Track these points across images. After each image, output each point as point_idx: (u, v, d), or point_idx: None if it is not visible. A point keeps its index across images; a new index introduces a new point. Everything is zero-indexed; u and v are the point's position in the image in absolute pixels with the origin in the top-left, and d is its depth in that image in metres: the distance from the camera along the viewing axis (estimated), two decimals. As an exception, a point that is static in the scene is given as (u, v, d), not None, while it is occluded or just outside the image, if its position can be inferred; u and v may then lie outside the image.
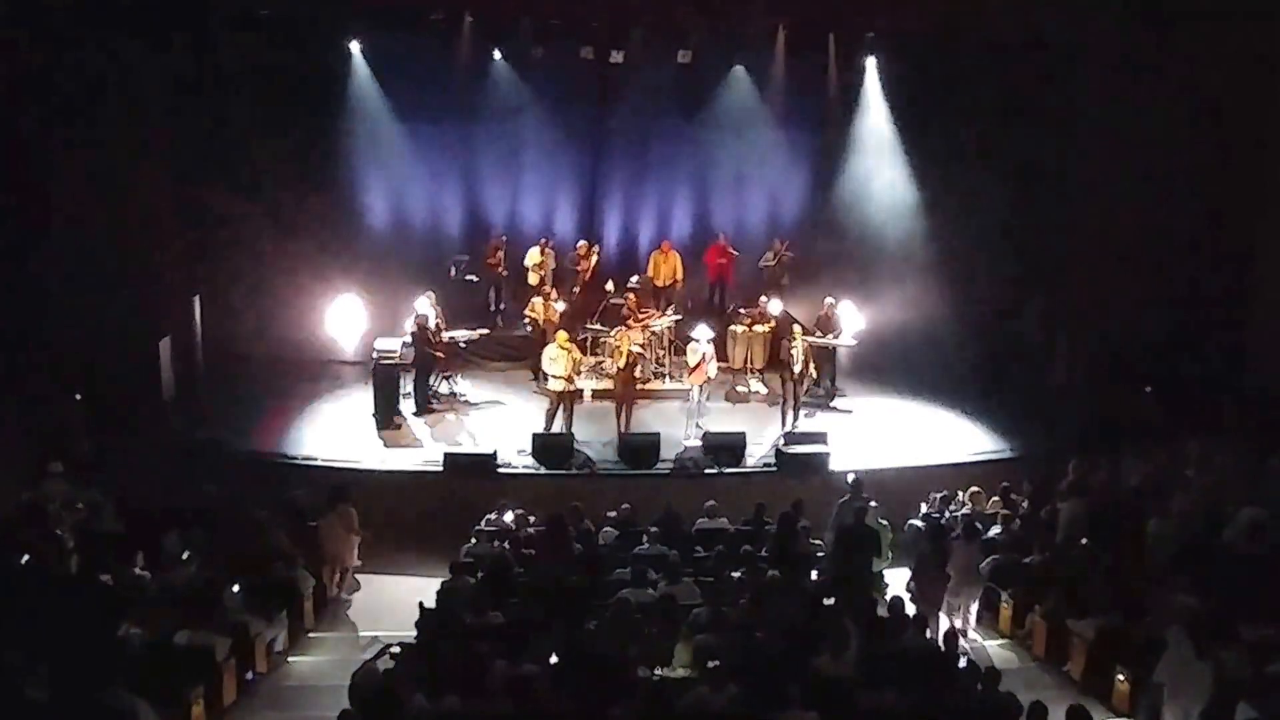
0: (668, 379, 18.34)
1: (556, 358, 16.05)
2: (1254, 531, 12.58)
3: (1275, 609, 10.92)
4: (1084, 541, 12.90)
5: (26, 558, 11.50)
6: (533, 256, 19.65)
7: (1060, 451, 15.86)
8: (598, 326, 18.28)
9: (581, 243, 20.20)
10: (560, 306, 18.47)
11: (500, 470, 15.27)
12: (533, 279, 19.46)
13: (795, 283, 20.45)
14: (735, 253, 20.60)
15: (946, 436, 17.08)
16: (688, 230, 21.45)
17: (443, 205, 21.26)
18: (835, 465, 15.35)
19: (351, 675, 9.35)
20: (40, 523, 12.37)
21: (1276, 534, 12.65)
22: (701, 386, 16.79)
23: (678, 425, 16.78)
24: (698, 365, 16.64)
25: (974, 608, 12.58)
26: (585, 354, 18.10)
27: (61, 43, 16.32)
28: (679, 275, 20.09)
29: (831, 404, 18.13)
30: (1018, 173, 19.29)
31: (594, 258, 19.99)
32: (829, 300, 18.21)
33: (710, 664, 9.43)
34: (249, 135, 18.53)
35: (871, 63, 20.35)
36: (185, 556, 11.99)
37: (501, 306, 20.34)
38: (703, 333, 16.89)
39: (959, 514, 13.85)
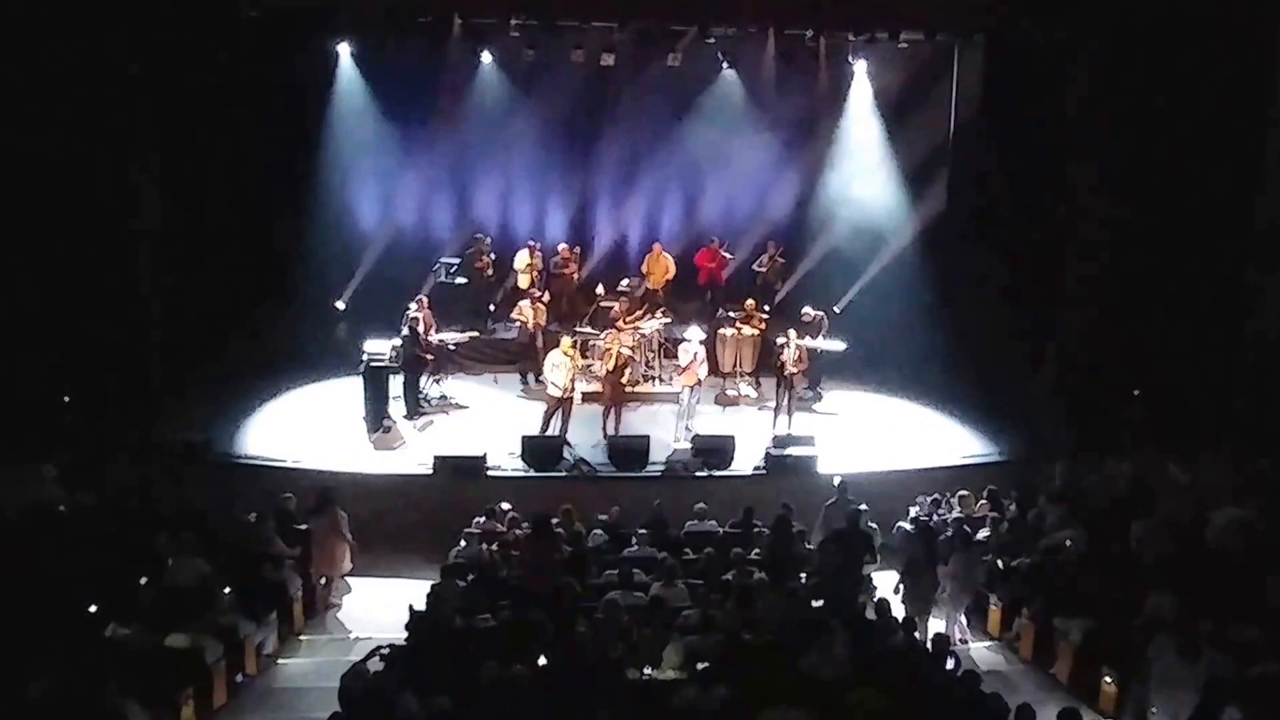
0: (657, 382, 18.36)
1: (559, 364, 16.02)
2: (1235, 532, 12.67)
3: (1261, 610, 11.00)
4: (1070, 544, 12.96)
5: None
6: (521, 259, 19.66)
7: (1047, 455, 15.93)
8: (588, 329, 18.30)
9: (563, 246, 20.25)
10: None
11: (490, 473, 15.29)
12: (522, 281, 19.48)
13: (785, 285, 20.59)
14: (729, 256, 20.69)
15: (934, 439, 17.13)
16: (679, 232, 21.49)
17: (432, 208, 21.29)
18: (823, 468, 15.39)
19: (341, 677, 9.36)
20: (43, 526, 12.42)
21: (1260, 535, 12.74)
22: (692, 388, 16.82)
23: (667, 428, 16.83)
24: (688, 366, 16.67)
25: (963, 614, 12.60)
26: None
27: (51, 45, 16.32)
28: (670, 277, 20.14)
29: (815, 407, 18.18)
30: (1007, 174, 19.38)
31: (576, 260, 20.03)
32: (806, 309, 18.20)
33: (699, 666, 9.48)
34: (237, 137, 18.52)
35: (861, 65, 20.42)
36: (176, 559, 11.97)
37: (492, 308, 20.36)
38: (694, 333, 16.92)
39: (949, 518, 13.91)
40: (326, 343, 19.54)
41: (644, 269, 20.14)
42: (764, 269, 20.49)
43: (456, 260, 20.35)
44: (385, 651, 9.75)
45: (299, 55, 19.16)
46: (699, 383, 16.92)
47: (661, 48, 19.51)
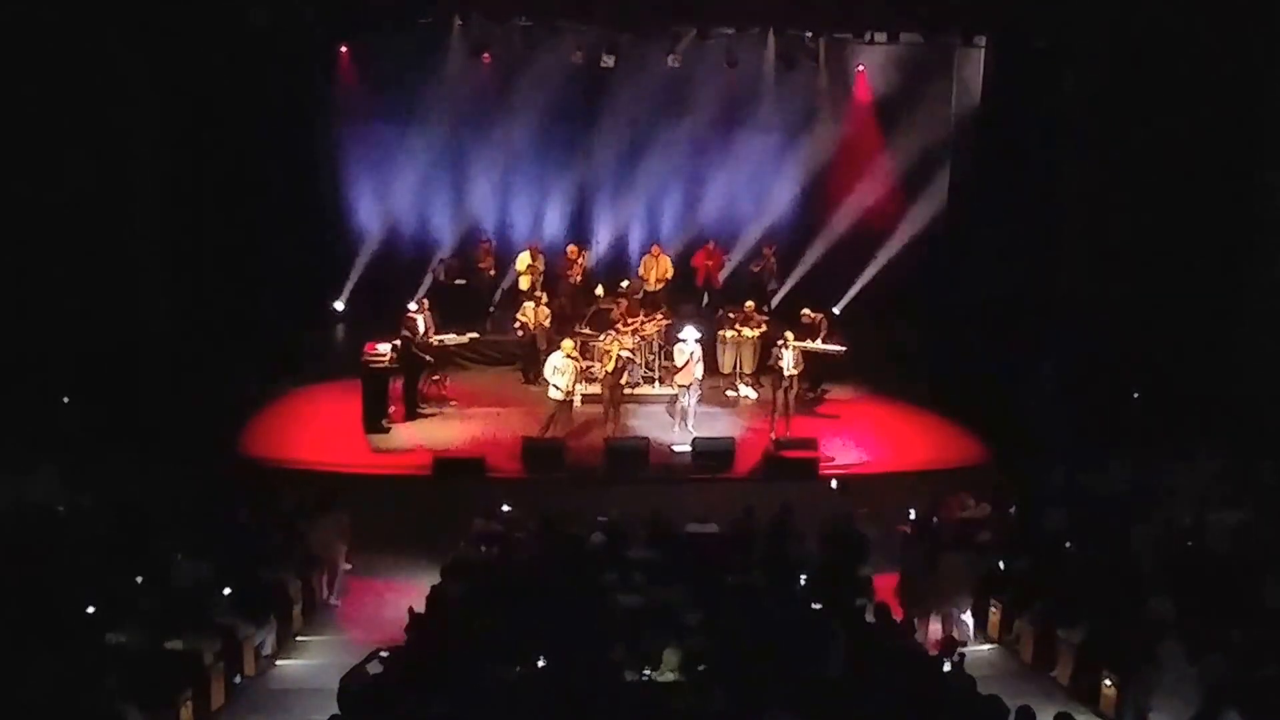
0: (657, 383, 18.34)
1: (563, 368, 16.03)
2: (1236, 535, 12.66)
3: (1262, 612, 10.99)
4: (1070, 547, 12.95)
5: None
6: (523, 260, 19.66)
7: (1047, 457, 15.91)
8: (587, 331, 18.28)
9: (571, 246, 20.27)
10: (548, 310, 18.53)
11: (490, 475, 15.27)
12: (523, 283, 19.48)
13: (782, 286, 20.63)
14: (726, 256, 20.72)
15: (933, 441, 17.12)
16: (678, 233, 21.51)
17: (432, 208, 21.29)
18: (824, 470, 15.38)
19: (340, 680, 9.34)
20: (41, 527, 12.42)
21: (1260, 537, 12.74)
22: (689, 388, 16.82)
23: (667, 429, 16.83)
24: (683, 366, 16.68)
25: (968, 616, 12.57)
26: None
27: (54, 47, 16.33)
28: (669, 278, 20.14)
29: (815, 408, 18.15)
30: (1006, 176, 19.39)
31: (582, 261, 20.06)
32: (805, 311, 18.21)
33: (699, 668, 9.46)
34: (237, 137, 18.52)
35: (861, 66, 20.45)
36: (174, 560, 11.96)
37: (491, 309, 20.36)
38: (690, 333, 16.92)
39: (948, 520, 13.88)
40: (326, 343, 19.54)
41: (641, 271, 20.10)
42: (759, 269, 20.51)
43: (456, 261, 20.37)
44: (385, 654, 9.73)
45: (299, 55, 19.15)
46: (696, 382, 16.92)
47: (661, 49, 19.52)
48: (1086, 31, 18.32)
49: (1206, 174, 17.88)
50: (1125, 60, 17.96)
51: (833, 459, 15.91)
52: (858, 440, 16.92)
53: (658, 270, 20.03)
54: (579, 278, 19.95)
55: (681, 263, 20.54)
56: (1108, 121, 18.35)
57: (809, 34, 19.80)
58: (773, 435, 16.42)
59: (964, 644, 11.82)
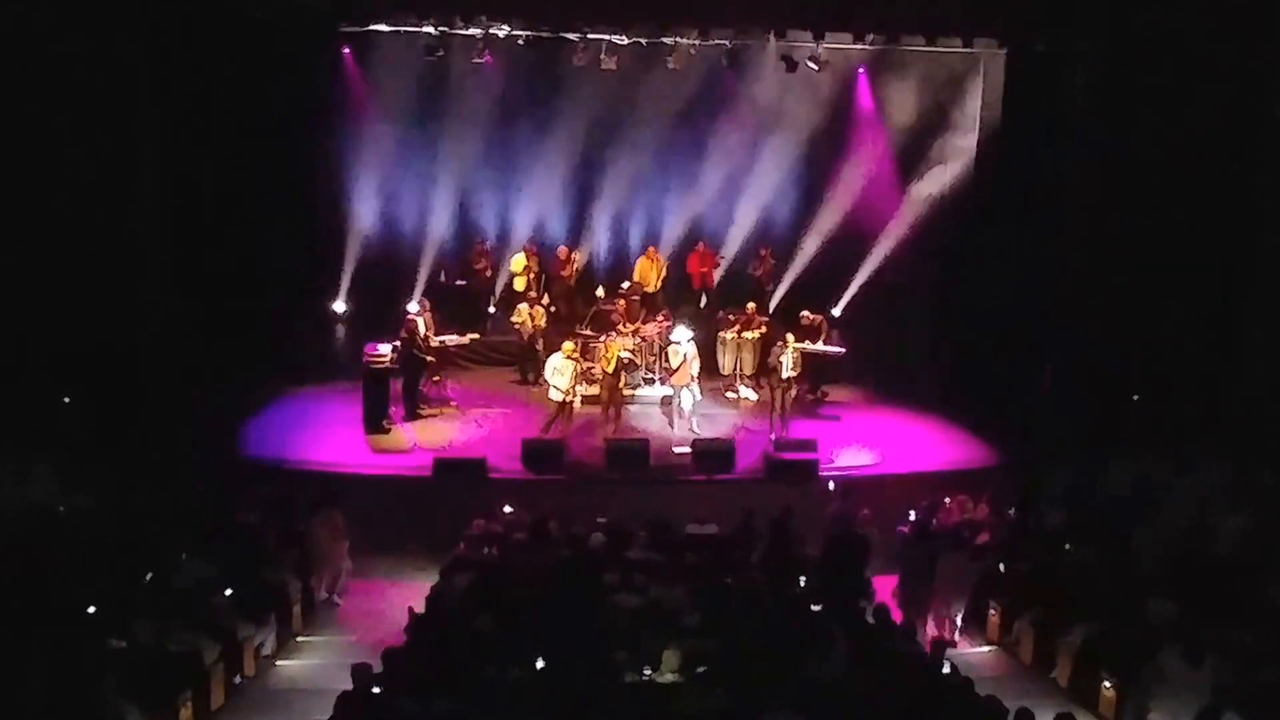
0: (658, 384, 18.35)
1: (562, 369, 16.05)
2: (1237, 538, 12.67)
3: (1263, 616, 10.99)
4: (1070, 548, 12.95)
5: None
6: (518, 262, 19.66)
7: (1048, 459, 15.91)
8: (588, 332, 18.28)
9: (561, 248, 20.27)
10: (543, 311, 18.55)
11: (490, 475, 15.27)
12: (519, 284, 19.49)
13: (777, 287, 20.65)
14: (719, 257, 20.74)
15: (933, 443, 17.12)
16: (677, 236, 21.50)
17: (432, 210, 21.27)
18: (824, 472, 15.38)
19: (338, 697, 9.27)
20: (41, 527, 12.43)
21: (1262, 541, 12.74)
22: (686, 388, 16.82)
23: (666, 430, 16.83)
24: (679, 366, 16.70)
25: (959, 617, 12.57)
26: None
27: (55, 45, 16.33)
28: (663, 278, 20.14)
29: (815, 410, 18.16)
30: (1006, 177, 19.39)
31: (575, 262, 20.05)
32: (805, 313, 18.20)
33: (698, 669, 9.46)
34: (238, 138, 18.51)
35: (862, 70, 20.46)
36: (174, 560, 11.95)
37: (490, 310, 20.36)
38: (681, 334, 16.93)
39: (947, 521, 13.87)
40: (326, 343, 19.52)
41: (636, 275, 20.07)
42: (759, 272, 20.52)
43: (456, 262, 20.36)
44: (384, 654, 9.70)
45: (301, 57, 19.14)
46: (693, 381, 16.92)
47: (662, 51, 19.50)
48: (1089, 35, 18.30)
49: (1208, 176, 17.87)
50: (1127, 63, 17.93)
51: (832, 460, 15.91)
52: (857, 442, 16.91)
53: (654, 273, 20.01)
54: (572, 279, 19.96)
55: (676, 266, 20.55)
56: (1110, 124, 18.33)
57: (810, 36, 19.76)
58: (772, 436, 16.41)
59: (952, 643, 11.85)
